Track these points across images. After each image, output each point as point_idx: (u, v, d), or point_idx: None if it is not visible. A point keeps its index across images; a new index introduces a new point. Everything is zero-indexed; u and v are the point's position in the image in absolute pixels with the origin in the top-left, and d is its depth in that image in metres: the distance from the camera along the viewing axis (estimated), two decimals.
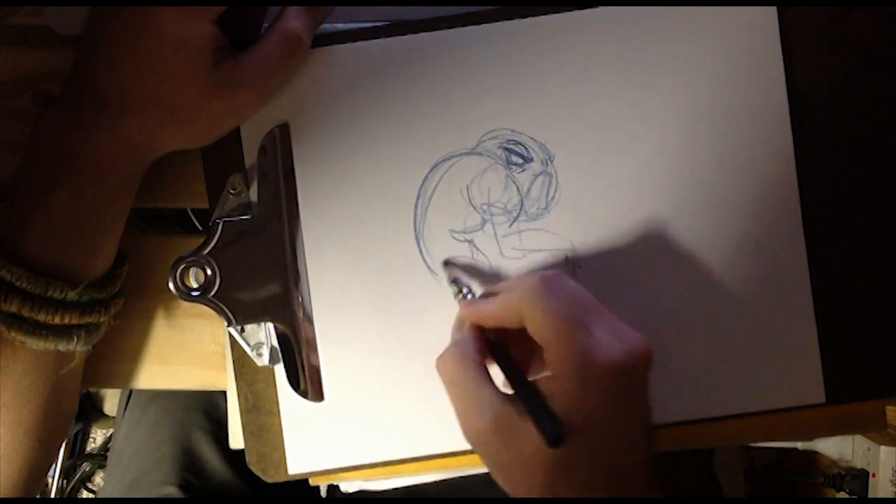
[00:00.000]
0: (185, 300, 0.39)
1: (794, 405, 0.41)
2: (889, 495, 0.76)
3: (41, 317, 0.35)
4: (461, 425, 0.35)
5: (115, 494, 0.58)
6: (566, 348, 0.32)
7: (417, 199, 0.40)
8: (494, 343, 0.36)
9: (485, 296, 0.39)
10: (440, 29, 0.40)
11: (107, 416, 1.19)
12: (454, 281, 0.39)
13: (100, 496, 1.18)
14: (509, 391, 0.34)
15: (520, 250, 0.40)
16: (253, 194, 0.40)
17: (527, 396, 0.33)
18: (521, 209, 0.40)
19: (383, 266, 0.40)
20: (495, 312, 0.36)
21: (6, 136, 0.43)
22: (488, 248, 0.40)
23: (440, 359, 0.36)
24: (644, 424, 0.34)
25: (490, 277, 0.40)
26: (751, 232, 0.40)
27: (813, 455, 0.89)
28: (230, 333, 0.40)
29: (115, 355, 0.44)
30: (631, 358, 0.32)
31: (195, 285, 0.39)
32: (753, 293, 0.40)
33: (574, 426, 0.32)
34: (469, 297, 0.38)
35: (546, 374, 0.34)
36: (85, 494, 1.19)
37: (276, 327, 0.40)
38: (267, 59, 0.37)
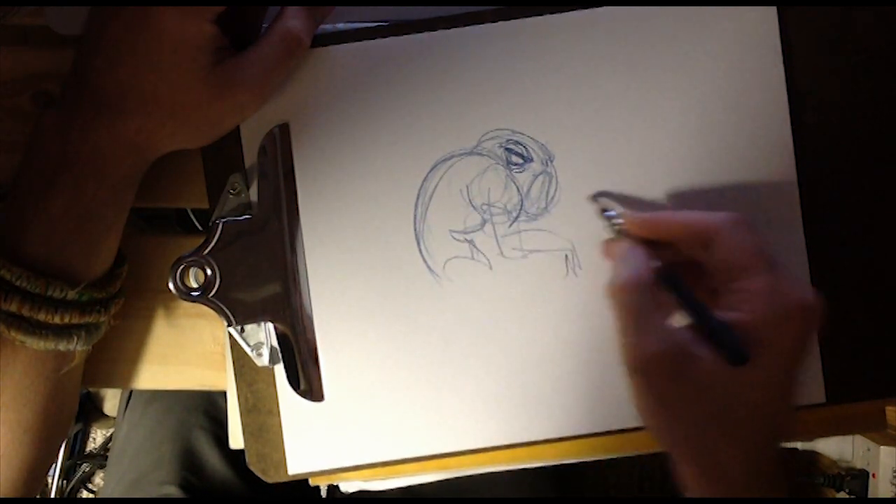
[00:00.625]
0: (185, 300, 0.39)
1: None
2: (889, 495, 0.76)
3: (41, 316, 0.35)
4: (628, 352, 0.34)
5: (116, 494, 0.58)
6: (761, 279, 0.33)
7: (417, 199, 0.40)
8: (665, 268, 0.36)
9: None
10: (440, 29, 0.40)
11: (107, 416, 1.19)
12: (605, 211, 0.39)
13: (100, 496, 1.18)
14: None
15: (520, 250, 0.40)
16: (253, 194, 0.40)
17: (708, 316, 0.33)
18: (521, 209, 0.40)
19: (383, 266, 0.40)
20: (680, 226, 0.36)
21: (6, 136, 0.43)
22: (488, 248, 0.40)
23: (613, 284, 0.35)
24: (796, 377, 0.35)
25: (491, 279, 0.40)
26: None
27: (813, 455, 0.89)
28: (230, 333, 0.40)
29: (115, 355, 0.44)
30: (813, 304, 0.34)
31: (195, 285, 0.39)
32: None
33: (754, 356, 0.33)
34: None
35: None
36: (85, 494, 1.19)
37: (276, 327, 0.40)
38: (267, 59, 0.37)
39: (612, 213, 0.39)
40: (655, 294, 0.35)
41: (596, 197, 0.40)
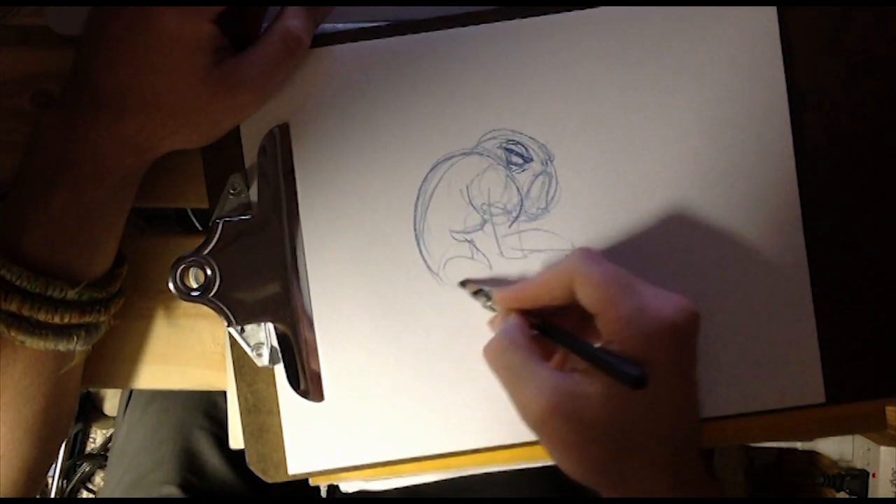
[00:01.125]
0: (185, 300, 0.39)
1: (794, 405, 0.41)
2: (889, 495, 0.76)
3: (41, 316, 0.35)
4: (519, 410, 0.35)
5: (116, 494, 0.58)
6: (623, 306, 0.33)
7: (417, 199, 0.40)
8: (540, 323, 0.36)
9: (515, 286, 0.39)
10: (440, 29, 0.40)
11: (107, 416, 1.19)
12: (477, 292, 0.39)
13: (100, 496, 1.17)
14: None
15: (520, 250, 0.40)
16: (253, 194, 0.40)
17: (594, 351, 0.33)
18: (521, 209, 0.40)
19: (383, 266, 0.40)
20: (542, 289, 0.36)
21: (6, 136, 0.43)
22: (488, 248, 0.40)
23: (487, 348, 0.36)
24: (694, 386, 0.35)
25: (497, 280, 0.40)
26: (751, 232, 0.40)
27: (813, 455, 0.89)
28: (230, 333, 0.40)
29: (115, 355, 0.44)
30: (681, 315, 0.34)
31: (195, 285, 0.39)
32: (753, 293, 0.40)
33: (632, 398, 0.33)
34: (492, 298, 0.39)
35: (597, 345, 0.35)
36: (85, 494, 1.19)
37: (276, 327, 0.40)
38: (266, 59, 0.37)
39: (483, 290, 0.39)
40: (532, 350, 0.35)
41: (464, 283, 0.40)
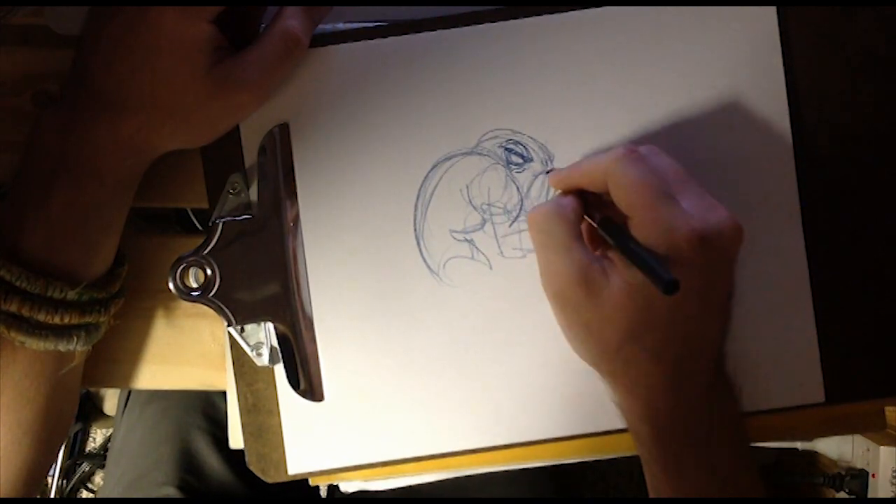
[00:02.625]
0: (185, 300, 0.39)
1: (794, 405, 0.41)
2: (889, 495, 0.76)
3: (41, 316, 0.35)
4: (545, 278, 0.36)
5: (114, 495, 0.58)
6: (650, 215, 0.33)
7: (417, 198, 0.40)
8: (592, 204, 0.37)
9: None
10: (440, 29, 0.40)
11: (107, 416, 1.19)
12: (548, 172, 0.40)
13: (99, 497, 1.18)
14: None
15: (520, 250, 0.40)
16: (253, 194, 0.40)
17: (635, 246, 0.33)
18: (521, 209, 0.40)
19: (383, 266, 0.40)
20: (582, 175, 0.36)
21: (6, 136, 0.43)
22: (488, 248, 0.40)
23: (534, 211, 0.37)
24: (720, 306, 0.35)
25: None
26: (751, 232, 0.40)
27: (813, 455, 0.89)
28: (230, 333, 0.40)
29: (115, 355, 0.44)
30: (715, 231, 0.33)
31: (195, 285, 0.39)
32: (753, 293, 0.40)
33: (652, 297, 0.33)
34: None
35: None
36: (85, 494, 1.19)
37: (276, 327, 0.40)
38: (265, 59, 0.37)
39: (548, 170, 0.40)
40: (574, 226, 0.36)
41: (549, 171, 0.40)
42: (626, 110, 0.40)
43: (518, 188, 0.40)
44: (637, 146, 0.36)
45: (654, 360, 0.34)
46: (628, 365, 0.35)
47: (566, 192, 0.38)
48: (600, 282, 0.34)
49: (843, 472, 0.82)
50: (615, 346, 0.35)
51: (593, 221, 0.36)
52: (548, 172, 0.40)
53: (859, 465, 0.81)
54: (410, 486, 0.54)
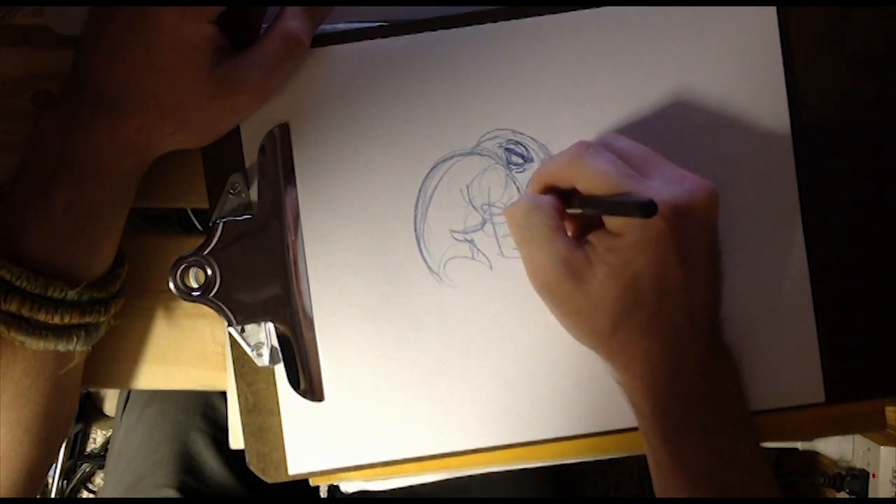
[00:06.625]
0: (186, 300, 0.39)
1: (794, 405, 0.41)
2: (889, 495, 0.75)
3: (41, 316, 0.35)
4: (530, 271, 0.37)
5: (114, 497, 0.58)
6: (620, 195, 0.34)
7: (417, 199, 0.40)
8: (566, 193, 0.37)
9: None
10: (440, 29, 0.40)
11: (107, 416, 1.19)
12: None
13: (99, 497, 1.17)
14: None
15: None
16: (253, 194, 0.40)
17: (609, 199, 0.33)
18: None
19: (383, 266, 0.40)
20: (550, 176, 0.37)
21: (6, 136, 0.43)
22: (488, 248, 0.40)
23: (511, 206, 0.37)
24: (706, 272, 0.35)
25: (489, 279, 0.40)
26: (751, 232, 0.40)
27: (813, 455, 0.89)
28: (230, 333, 0.40)
29: (115, 355, 0.44)
30: (685, 199, 0.33)
31: (195, 285, 0.39)
32: (753, 293, 0.40)
33: (636, 274, 0.34)
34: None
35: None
36: (85, 495, 1.19)
37: (276, 327, 0.40)
38: (266, 60, 0.37)
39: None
40: (554, 219, 0.36)
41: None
42: (626, 110, 0.40)
43: (518, 188, 0.40)
44: (585, 140, 0.36)
45: (648, 336, 0.35)
46: (624, 344, 0.35)
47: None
48: (584, 268, 0.35)
49: (844, 472, 0.82)
50: (609, 329, 0.35)
51: (572, 207, 0.37)
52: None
53: (859, 465, 0.81)
54: (410, 486, 0.54)
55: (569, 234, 0.37)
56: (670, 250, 0.33)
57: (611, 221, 0.35)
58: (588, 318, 0.35)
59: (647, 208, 0.31)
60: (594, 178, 0.34)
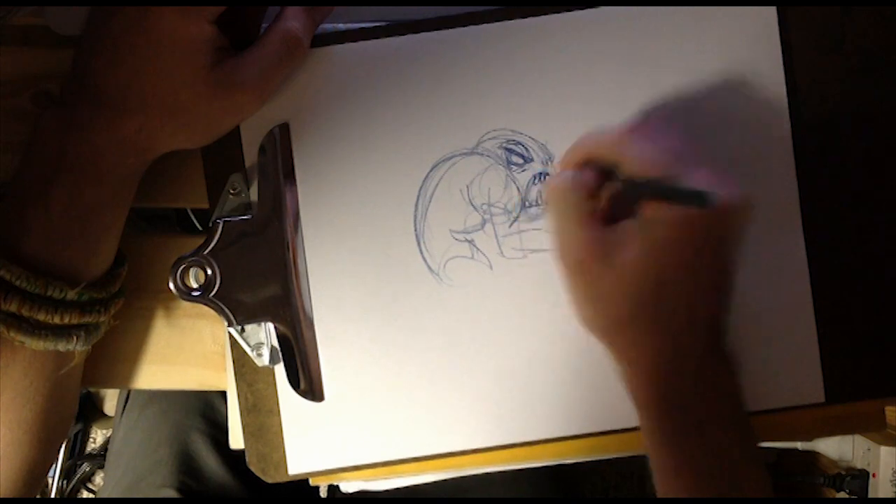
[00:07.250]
0: (186, 300, 0.39)
1: (794, 405, 0.41)
2: (889, 495, 0.75)
3: (41, 316, 0.35)
4: (562, 249, 0.37)
5: (114, 497, 0.58)
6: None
7: (417, 199, 0.40)
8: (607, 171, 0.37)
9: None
10: (440, 29, 0.40)
11: (107, 416, 1.19)
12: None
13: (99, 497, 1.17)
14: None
15: (520, 250, 0.40)
16: (253, 194, 0.40)
17: (663, 184, 0.34)
18: (521, 209, 0.40)
19: (383, 266, 0.40)
20: (596, 147, 0.36)
21: (6, 136, 0.43)
22: (488, 248, 0.40)
23: (551, 182, 0.37)
24: (732, 277, 0.36)
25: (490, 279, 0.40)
26: (751, 232, 0.40)
27: (813, 455, 0.89)
28: (230, 333, 0.40)
29: (115, 355, 0.44)
30: (739, 199, 0.34)
31: (195, 285, 0.39)
32: (753, 293, 0.40)
33: (668, 265, 0.34)
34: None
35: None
36: (85, 495, 1.19)
37: (276, 327, 0.40)
38: (266, 60, 0.37)
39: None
40: (592, 197, 0.36)
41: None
42: (626, 110, 0.40)
43: (518, 188, 0.40)
44: (636, 123, 0.37)
45: (661, 332, 0.35)
46: (637, 335, 0.35)
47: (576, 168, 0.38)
48: (617, 251, 0.34)
49: (844, 472, 0.82)
50: (627, 317, 0.35)
51: (610, 185, 0.36)
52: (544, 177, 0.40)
53: (859, 465, 0.81)
54: (410, 486, 0.54)
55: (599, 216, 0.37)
56: (709, 246, 0.34)
57: (651, 207, 0.34)
58: (610, 303, 0.35)
59: (703, 198, 0.31)
60: (645, 161, 0.34)
